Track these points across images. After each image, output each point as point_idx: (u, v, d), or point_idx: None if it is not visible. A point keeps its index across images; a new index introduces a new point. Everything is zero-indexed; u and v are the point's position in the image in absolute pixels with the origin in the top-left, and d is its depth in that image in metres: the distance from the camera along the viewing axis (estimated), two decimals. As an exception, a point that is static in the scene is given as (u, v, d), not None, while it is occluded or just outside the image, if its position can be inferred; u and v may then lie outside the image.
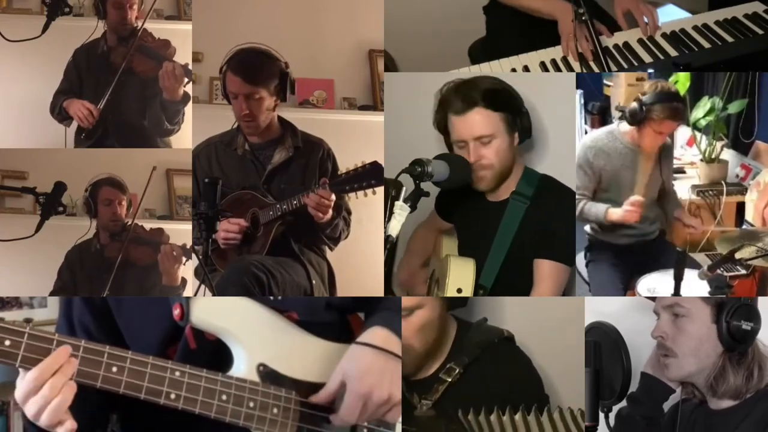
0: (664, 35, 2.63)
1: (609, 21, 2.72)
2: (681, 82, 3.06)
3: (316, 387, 1.61)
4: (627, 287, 2.63)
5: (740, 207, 3.09)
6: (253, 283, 2.34)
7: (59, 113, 2.81)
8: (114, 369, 1.46)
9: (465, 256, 2.41)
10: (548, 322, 2.36)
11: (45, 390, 1.41)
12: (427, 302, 2.07)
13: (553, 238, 2.31)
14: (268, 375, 1.60)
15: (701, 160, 3.31)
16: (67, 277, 2.82)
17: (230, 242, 2.52)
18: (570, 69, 2.52)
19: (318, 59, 3.20)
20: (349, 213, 2.62)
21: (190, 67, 2.77)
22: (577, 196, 2.52)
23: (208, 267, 2.20)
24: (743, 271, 2.56)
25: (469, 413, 1.90)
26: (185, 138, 2.80)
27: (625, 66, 2.55)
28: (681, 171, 3.39)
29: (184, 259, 2.80)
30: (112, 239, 2.84)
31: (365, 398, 1.56)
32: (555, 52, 2.58)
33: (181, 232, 2.88)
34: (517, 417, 1.91)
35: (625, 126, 2.66)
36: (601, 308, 2.20)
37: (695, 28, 2.65)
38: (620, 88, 3.56)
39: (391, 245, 1.94)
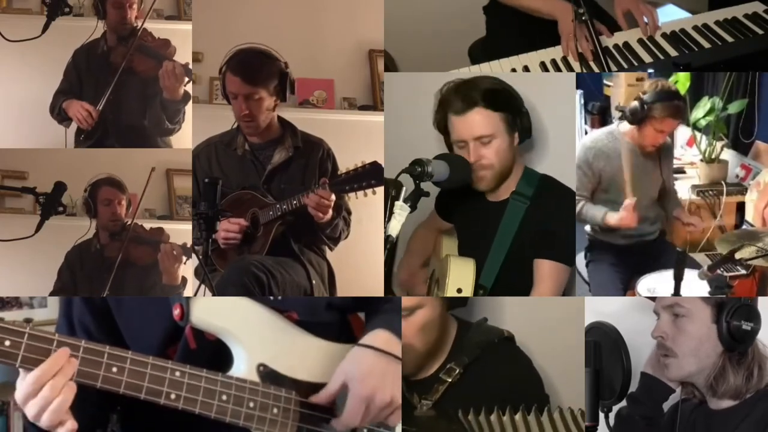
0: (664, 35, 2.63)
1: (609, 21, 2.72)
2: (681, 82, 3.06)
3: (316, 387, 1.61)
4: (627, 287, 2.63)
5: (740, 207, 3.09)
6: (253, 283, 2.34)
7: (58, 114, 2.81)
8: (114, 369, 1.46)
9: (465, 256, 2.41)
10: (548, 322, 2.36)
11: (45, 391, 1.41)
12: (427, 302, 2.07)
13: (553, 238, 2.31)
14: (268, 375, 1.60)
15: (701, 160, 3.31)
16: (67, 277, 2.82)
17: (230, 242, 2.52)
18: (570, 69, 2.52)
19: (318, 59, 3.20)
20: (349, 213, 2.62)
21: (190, 66, 2.77)
22: (576, 197, 2.53)
23: (208, 267, 2.20)
24: (743, 271, 2.55)
25: (469, 413, 1.90)
26: (185, 138, 2.80)
27: (625, 66, 2.55)
28: (681, 171, 3.39)
29: (184, 258, 2.80)
30: (111, 239, 2.84)
31: (368, 401, 1.56)
32: (555, 52, 2.58)
33: (181, 232, 2.88)
34: (518, 417, 1.91)
35: (624, 126, 2.66)
36: (601, 308, 2.20)
37: (695, 28, 2.65)
38: (620, 88, 3.56)
39: (391, 245, 1.94)
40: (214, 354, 1.61)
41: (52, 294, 2.88)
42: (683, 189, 3.18)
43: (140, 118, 2.79)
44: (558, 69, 2.53)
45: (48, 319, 3.14)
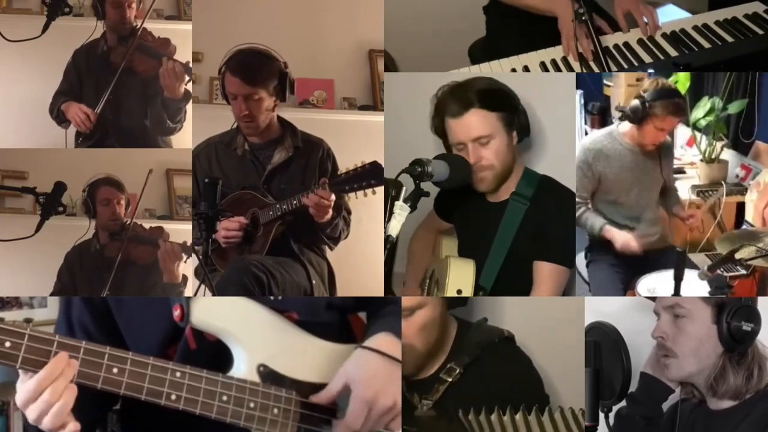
0: (664, 35, 2.63)
1: (609, 20, 2.72)
2: (681, 82, 3.07)
3: (317, 387, 1.61)
4: (627, 287, 2.63)
5: (740, 207, 3.09)
6: (253, 283, 2.34)
7: (57, 116, 2.81)
8: (114, 370, 1.46)
9: (465, 256, 2.41)
10: (548, 322, 2.36)
11: (46, 395, 1.41)
12: (428, 302, 2.08)
13: (552, 240, 2.31)
14: (269, 375, 1.60)
15: (701, 160, 3.32)
16: (66, 278, 2.82)
17: (231, 240, 2.52)
18: (570, 69, 2.52)
19: (318, 59, 3.20)
20: (349, 213, 2.62)
21: (190, 65, 2.77)
22: (577, 200, 2.53)
23: (208, 267, 2.20)
24: (743, 272, 2.56)
25: (470, 413, 1.90)
26: (185, 138, 2.80)
27: (625, 66, 2.55)
28: (681, 171, 3.40)
29: (184, 256, 2.79)
30: (111, 239, 2.84)
31: (371, 404, 1.55)
32: (555, 52, 2.58)
33: (181, 232, 2.88)
34: (518, 417, 1.91)
35: (624, 127, 2.66)
36: (601, 308, 2.20)
37: (695, 28, 2.65)
38: (620, 88, 3.56)
39: (391, 245, 1.94)
40: (214, 354, 1.61)
41: (52, 294, 2.88)
42: (683, 189, 3.19)
43: (141, 118, 2.79)
44: (558, 69, 2.53)
45: (48, 319, 3.14)
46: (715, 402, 1.87)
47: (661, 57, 2.55)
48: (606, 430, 2.01)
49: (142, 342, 1.64)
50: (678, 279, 2.13)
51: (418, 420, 1.98)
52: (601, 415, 1.99)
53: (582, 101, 3.76)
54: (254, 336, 1.61)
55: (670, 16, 2.86)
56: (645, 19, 2.62)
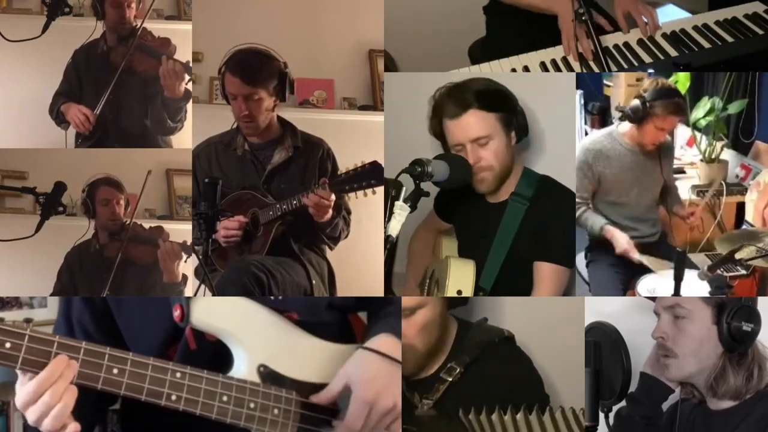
0: (664, 35, 2.63)
1: (608, 18, 2.72)
2: (681, 82, 3.07)
3: (317, 388, 1.61)
4: (627, 287, 2.63)
5: (740, 207, 3.09)
6: (253, 283, 2.34)
7: (57, 117, 2.81)
8: (115, 371, 1.46)
9: (465, 257, 2.41)
10: (548, 322, 2.36)
11: (46, 397, 1.41)
12: (428, 301, 2.08)
13: (552, 240, 2.31)
14: (269, 376, 1.60)
15: (701, 160, 3.32)
16: (66, 278, 2.82)
17: (231, 239, 2.52)
18: (570, 69, 2.52)
19: (318, 59, 3.20)
20: (349, 213, 2.62)
21: (190, 64, 2.77)
22: (577, 200, 2.53)
23: (208, 267, 2.20)
24: (743, 272, 2.56)
25: (470, 413, 1.90)
26: (185, 138, 2.80)
27: (625, 66, 2.55)
28: (681, 171, 3.40)
29: (184, 255, 2.79)
30: (111, 239, 2.84)
31: (371, 405, 1.55)
32: (555, 52, 2.58)
33: (181, 231, 2.88)
34: (519, 416, 1.91)
35: (624, 127, 2.66)
36: (601, 308, 2.20)
37: (695, 28, 2.65)
38: (620, 89, 3.56)
39: (391, 245, 1.94)
40: (214, 355, 1.61)
41: (52, 295, 2.88)
42: (683, 189, 3.19)
43: (141, 118, 2.79)
44: (558, 69, 2.53)
45: (48, 319, 3.14)
46: (715, 402, 1.87)
47: (661, 57, 2.55)
48: (606, 430, 2.01)
49: (142, 342, 1.64)
50: (678, 279, 2.13)
51: (418, 419, 1.98)
52: (601, 415, 1.99)
53: (582, 101, 3.76)
54: (254, 336, 1.61)
55: (670, 16, 2.86)
56: (645, 19, 2.62)
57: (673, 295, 2.10)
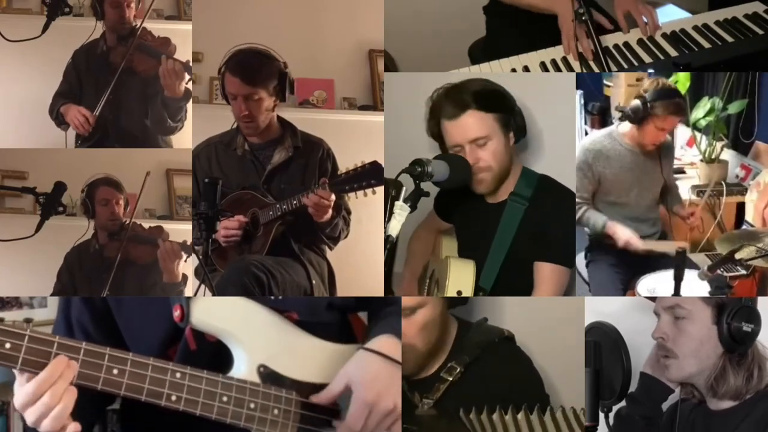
0: (664, 35, 2.63)
1: (609, 18, 2.72)
2: (681, 82, 3.07)
3: (317, 388, 1.62)
4: (627, 287, 2.63)
5: (740, 207, 3.09)
6: (253, 283, 2.34)
7: (56, 118, 2.81)
8: (115, 371, 1.46)
9: (465, 257, 2.41)
10: (548, 322, 2.36)
11: (46, 398, 1.40)
12: (428, 301, 2.08)
13: (552, 240, 2.31)
14: (269, 376, 1.60)
15: (701, 160, 3.32)
16: (66, 278, 2.82)
17: (231, 239, 2.52)
18: (570, 69, 2.52)
19: (318, 59, 3.20)
20: (349, 213, 2.62)
21: (190, 64, 2.76)
22: (577, 200, 2.53)
23: (208, 267, 2.20)
24: (743, 272, 2.56)
25: (471, 412, 1.90)
26: (185, 138, 2.80)
27: (625, 66, 2.55)
28: (681, 171, 3.40)
29: (183, 254, 2.79)
30: (110, 239, 2.84)
31: (372, 406, 1.55)
32: (555, 52, 2.58)
33: (181, 231, 2.88)
34: (520, 416, 1.91)
35: (623, 127, 2.66)
36: (601, 308, 2.20)
37: (695, 28, 2.65)
38: (620, 89, 3.56)
39: (391, 245, 1.94)
40: (214, 355, 1.61)
41: (52, 295, 2.88)
42: (683, 189, 3.19)
43: (141, 118, 2.78)
44: (558, 69, 2.53)
45: (48, 320, 3.14)
46: (715, 402, 1.87)
47: (661, 57, 2.55)
48: (606, 430, 2.01)
49: (142, 342, 1.64)
50: (678, 279, 2.14)
51: (418, 419, 1.98)
52: (601, 415, 1.99)
53: (582, 101, 3.76)
54: (254, 336, 1.61)
55: (670, 16, 2.86)
56: (645, 19, 2.62)
57: (673, 295, 2.10)
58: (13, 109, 3.03)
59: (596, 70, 2.49)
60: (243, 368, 1.59)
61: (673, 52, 2.56)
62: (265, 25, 3.09)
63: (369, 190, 2.36)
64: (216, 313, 1.60)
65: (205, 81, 3.15)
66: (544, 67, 2.55)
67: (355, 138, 3.03)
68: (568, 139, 2.61)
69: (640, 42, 2.61)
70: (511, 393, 2.01)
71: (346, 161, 2.49)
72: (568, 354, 2.18)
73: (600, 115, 3.80)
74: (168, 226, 2.93)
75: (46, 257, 2.87)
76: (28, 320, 3.15)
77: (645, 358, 1.99)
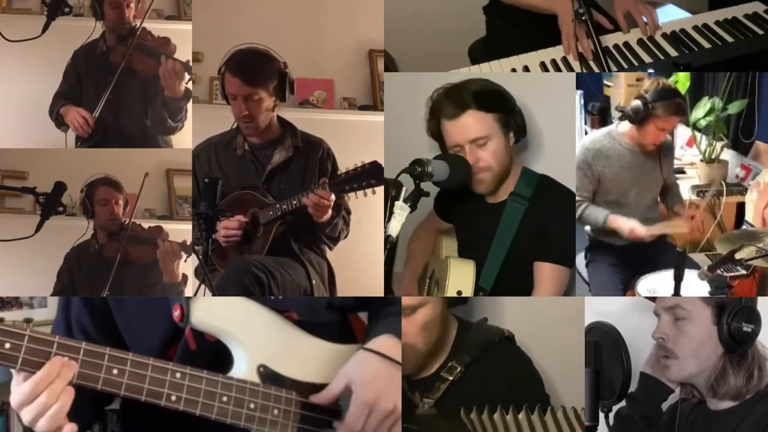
0: (664, 35, 2.63)
1: (609, 18, 2.72)
2: (681, 82, 3.07)
3: (317, 388, 1.61)
4: (627, 287, 2.63)
5: (740, 207, 3.09)
6: (253, 283, 2.34)
7: (56, 119, 2.81)
8: (115, 371, 1.46)
9: (464, 257, 2.41)
10: (548, 322, 2.36)
11: (42, 398, 1.40)
12: (429, 300, 2.08)
13: (552, 240, 2.31)
14: (269, 376, 1.60)
15: (701, 160, 3.32)
16: (66, 279, 2.82)
17: (231, 239, 2.52)
18: (570, 69, 2.52)
19: (318, 59, 3.20)
20: (349, 213, 2.62)
21: (190, 64, 2.76)
22: (577, 199, 2.53)
23: (208, 267, 2.20)
24: (743, 272, 2.56)
25: (472, 412, 1.90)
26: (185, 138, 2.80)
27: (625, 66, 2.55)
28: (681, 171, 3.40)
29: (183, 254, 2.79)
30: (110, 239, 2.84)
31: (371, 406, 1.55)
32: (555, 52, 2.58)
33: (181, 231, 2.88)
34: (521, 416, 1.91)
35: (623, 127, 2.66)
36: (601, 308, 2.20)
37: (695, 28, 2.65)
38: (620, 89, 3.57)
39: (391, 245, 1.94)
40: (214, 355, 1.61)
41: (52, 295, 2.88)
42: (683, 189, 3.19)
43: (141, 118, 2.78)
44: (558, 69, 2.53)
45: (48, 320, 3.15)
46: (715, 402, 1.87)
47: (661, 57, 2.55)
48: (606, 430, 2.01)
49: (142, 342, 1.64)
50: (678, 279, 2.13)
51: (419, 418, 1.98)
52: (601, 415, 1.99)
53: (582, 101, 3.77)
54: (254, 336, 1.61)
55: (670, 16, 2.86)
56: (645, 19, 2.62)
57: (673, 295, 2.10)
58: (13, 109, 3.03)
59: (596, 70, 2.49)
60: (243, 368, 1.59)
61: (673, 52, 2.56)
62: (265, 25, 3.10)
63: (369, 190, 2.36)
64: (216, 313, 1.60)
65: (205, 81, 3.15)
66: (544, 67, 2.55)
67: (355, 138, 3.03)
68: (568, 139, 2.61)
69: (640, 42, 2.61)
70: (511, 393, 2.01)
71: (346, 161, 2.49)
72: (568, 354, 2.18)
73: (600, 115, 3.80)
74: (168, 226, 2.93)
75: (46, 257, 2.87)
76: (28, 320, 3.15)
77: (645, 358, 1.99)
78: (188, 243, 2.78)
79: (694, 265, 2.45)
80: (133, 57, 2.76)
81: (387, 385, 1.58)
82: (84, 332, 1.70)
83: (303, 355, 1.64)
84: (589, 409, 1.97)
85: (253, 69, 2.51)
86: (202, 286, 2.15)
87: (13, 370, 1.42)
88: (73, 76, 2.82)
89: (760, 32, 2.60)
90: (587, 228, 2.77)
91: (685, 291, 2.13)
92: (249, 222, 2.54)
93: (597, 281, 2.71)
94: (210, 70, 2.99)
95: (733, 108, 3.19)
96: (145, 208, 3.12)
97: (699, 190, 3.19)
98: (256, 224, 2.54)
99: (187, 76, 2.73)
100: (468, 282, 2.30)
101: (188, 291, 2.78)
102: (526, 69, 2.56)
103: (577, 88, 3.51)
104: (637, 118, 2.57)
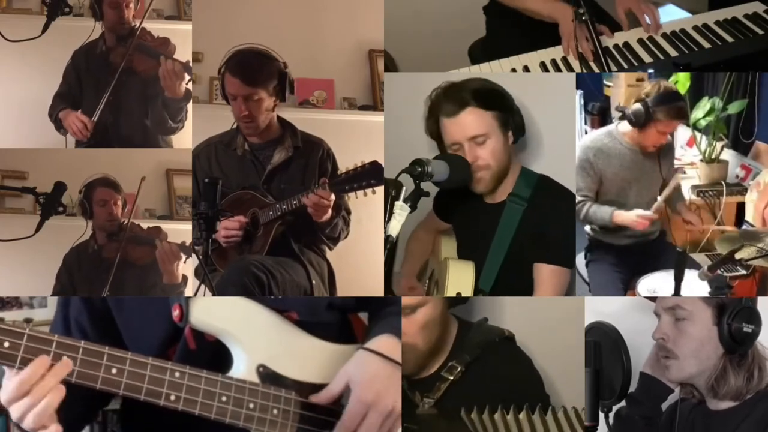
0: (664, 35, 2.63)
1: (609, 21, 2.72)
2: (681, 82, 3.07)
3: (316, 388, 1.61)
4: (627, 287, 2.63)
5: (740, 207, 3.09)
6: (253, 283, 2.34)
7: (55, 122, 2.81)
8: (113, 370, 1.46)
9: (464, 257, 2.41)
10: (548, 322, 2.36)
11: (29, 395, 1.39)
12: (429, 300, 2.08)
13: (551, 241, 2.31)
14: (268, 376, 1.59)
15: (701, 160, 3.32)
16: (65, 279, 2.82)
17: (231, 239, 2.52)
18: (570, 69, 2.52)
19: (318, 59, 3.20)
20: (349, 213, 2.62)
21: (190, 64, 2.76)
22: (579, 198, 2.53)
23: (208, 267, 2.20)
24: (743, 272, 2.56)
25: (472, 412, 1.90)
26: (185, 138, 2.80)
27: (625, 66, 2.55)
28: (681, 171, 3.39)
29: (182, 255, 2.79)
30: (109, 239, 2.84)
31: (369, 406, 1.55)
32: (555, 52, 2.58)
33: (181, 232, 2.88)
34: (521, 416, 1.91)
35: (623, 126, 2.66)
36: (601, 308, 2.20)
37: (695, 28, 2.65)
38: (620, 89, 3.56)
39: (391, 245, 1.93)
40: (213, 355, 1.61)
41: (52, 295, 2.87)
42: (683, 189, 3.18)
43: (141, 118, 2.78)
44: (558, 69, 2.53)
45: (48, 319, 3.14)
46: (715, 402, 1.87)
47: (661, 57, 2.55)
48: (606, 430, 2.01)
49: (142, 342, 1.64)
50: (678, 279, 2.13)
51: (419, 418, 1.98)
52: (601, 415, 1.99)
53: (582, 101, 3.76)
54: (254, 336, 1.61)
55: (670, 16, 2.86)
56: (647, 18, 2.62)
57: (673, 295, 2.10)
58: (13, 109, 3.03)
59: (596, 70, 2.49)
60: (242, 368, 1.59)
61: (673, 52, 2.56)
62: (265, 25, 3.10)
63: (369, 190, 2.36)
64: (215, 313, 1.60)
65: (205, 81, 3.15)
66: (544, 67, 2.56)
67: (355, 138, 3.03)
68: (567, 140, 2.61)
69: (640, 42, 2.61)
70: (511, 393, 2.01)
71: (346, 161, 2.49)
72: (568, 354, 2.18)
73: (600, 115, 3.80)
74: (168, 226, 2.93)
75: (46, 257, 2.87)
76: (28, 320, 3.14)
77: (645, 358, 1.99)
78: (188, 243, 2.78)
79: (695, 265, 2.45)
80: (132, 57, 2.76)
81: (386, 384, 1.58)
82: (82, 332, 1.70)
83: (303, 355, 1.64)
84: (589, 409, 1.97)
85: (253, 69, 2.51)
86: (202, 286, 2.15)
87: (6, 367, 1.42)
88: (73, 77, 2.82)
89: (760, 32, 2.60)
90: (587, 228, 2.77)
91: (685, 291, 2.12)
92: (249, 222, 2.54)
93: (597, 281, 2.70)
94: (210, 70, 2.99)
95: (733, 108, 3.19)
96: (145, 208, 3.12)
97: (699, 190, 3.19)
98: (256, 224, 2.54)
99: (187, 77, 2.73)
100: (467, 283, 2.30)
101: (188, 291, 2.78)
102: (526, 69, 2.56)
103: (577, 88, 3.51)
104: (638, 122, 2.56)
